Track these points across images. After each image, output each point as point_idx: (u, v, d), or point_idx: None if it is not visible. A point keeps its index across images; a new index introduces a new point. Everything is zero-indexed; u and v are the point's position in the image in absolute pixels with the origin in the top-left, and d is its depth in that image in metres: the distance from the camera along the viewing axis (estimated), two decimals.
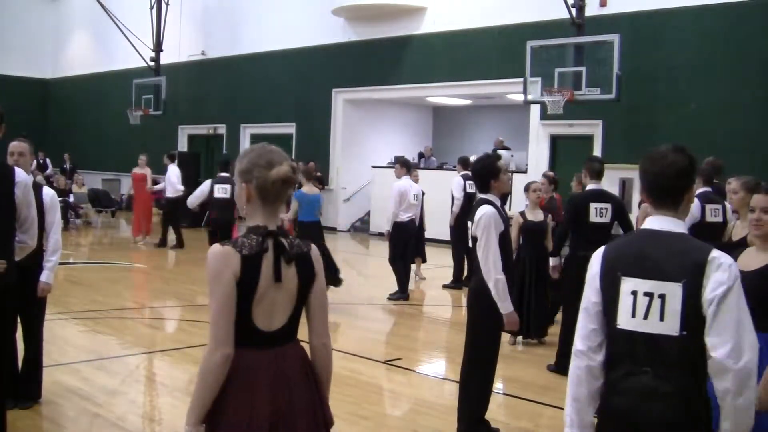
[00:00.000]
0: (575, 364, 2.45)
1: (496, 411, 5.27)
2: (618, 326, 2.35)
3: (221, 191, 9.84)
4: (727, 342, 2.19)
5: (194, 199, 10.12)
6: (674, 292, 2.26)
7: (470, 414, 4.77)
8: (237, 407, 2.39)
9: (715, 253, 2.27)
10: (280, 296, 2.44)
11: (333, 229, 18.56)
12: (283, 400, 2.43)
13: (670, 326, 2.27)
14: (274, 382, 2.42)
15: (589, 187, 6.52)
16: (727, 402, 2.20)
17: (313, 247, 2.58)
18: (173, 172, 14.66)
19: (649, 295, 2.30)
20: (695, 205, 6.73)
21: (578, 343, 2.45)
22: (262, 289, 2.39)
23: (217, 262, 2.37)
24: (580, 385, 2.43)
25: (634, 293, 2.32)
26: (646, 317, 2.30)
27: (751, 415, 2.22)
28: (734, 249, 4.14)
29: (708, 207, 6.74)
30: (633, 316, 2.32)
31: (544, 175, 9.19)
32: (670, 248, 2.32)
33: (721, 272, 2.23)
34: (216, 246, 2.41)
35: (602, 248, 2.48)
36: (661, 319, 2.28)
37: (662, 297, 2.28)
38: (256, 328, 2.42)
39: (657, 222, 2.40)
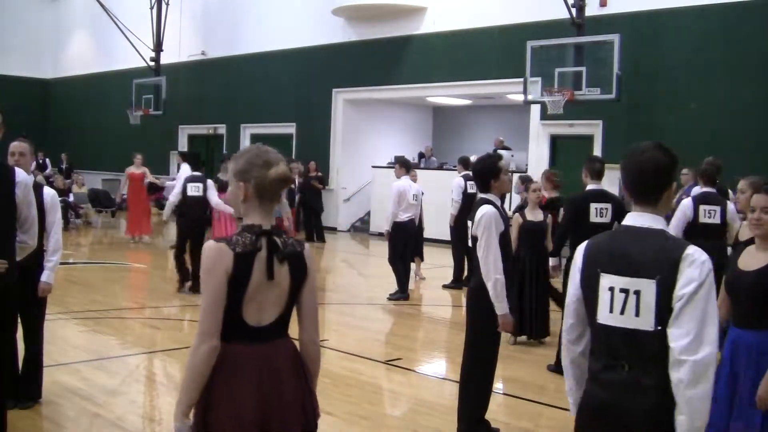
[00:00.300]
0: (562, 355, 2.63)
1: (496, 411, 5.27)
2: (598, 321, 2.41)
3: (194, 189, 10.13)
4: (687, 334, 2.23)
5: (171, 206, 10.42)
6: (649, 288, 2.30)
7: (470, 414, 4.77)
8: (227, 400, 2.46)
9: (690, 250, 2.30)
10: (272, 293, 2.50)
11: (333, 229, 18.56)
12: (274, 393, 2.49)
13: (646, 321, 2.31)
14: (264, 375, 2.49)
15: (590, 187, 6.51)
16: (681, 392, 2.22)
17: (307, 246, 2.64)
18: (186, 171, 14.52)
19: (625, 291, 2.34)
20: (688, 205, 6.77)
21: (562, 336, 2.61)
22: (253, 286, 2.45)
23: (210, 259, 2.44)
24: (567, 373, 2.61)
25: (612, 289, 2.37)
26: (622, 312, 2.35)
27: (706, 408, 2.24)
28: (739, 248, 4.22)
29: (702, 207, 6.77)
30: (611, 311, 2.37)
31: (519, 177, 9.26)
32: (647, 245, 2.36)
33: (693, 269, 2.26)
34: (211, 242, 2.49)
35: (584, 244, 2.53)
36: (637, 314, 2.32)
37: (637, 293, 2.32)
38: (246, 324, 2.48)
39: (636, 218, 2.44)
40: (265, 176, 2.49)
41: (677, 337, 2.24)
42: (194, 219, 10.08)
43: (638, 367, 2.31)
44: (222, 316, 2.43)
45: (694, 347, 2.21)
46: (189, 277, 9.96)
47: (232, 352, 2.46)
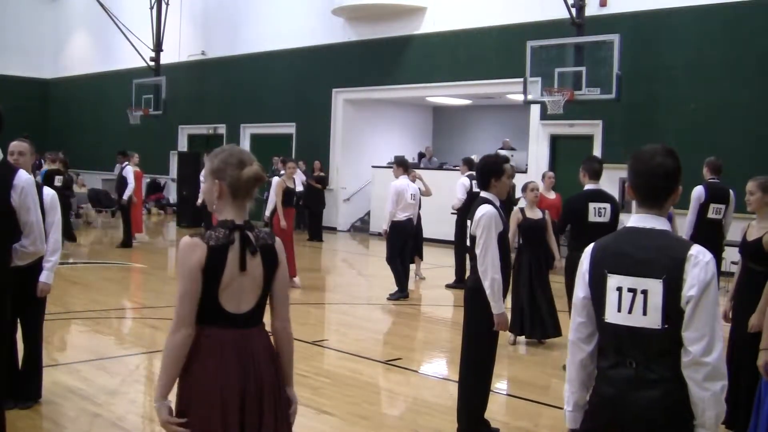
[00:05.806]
0: (569, 353, 2.62)
1: (496, 411, 5.28)
2: (606, 320, 2.47)
3: None
4: (702, 337, 2.30)
5: None
6: (655, 288, 2.36)
7: (470, 414, 4.77)
8: (211, 377, 2.62)
9: (694, 250, 2.35)
10: (246, 283, 2.67)
11: (333, 229, 18.57)
12: (252, 376, 2.65)
13: (653, 320, 2.37)
14: (243, 358, 2.65)
15: (587, 187, 6.50)
16: (702, 390, 2.31)
17: (277, 239, 2.81)
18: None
19: (633, 291, 2.40)
20: (701, 192, 7.44)
21: (570, 335, 2.61)
22: (227, 277, 2.62)
23: (184, 251, 2.62)
24: (572, 371, 2.60)
25: (619, 289, 2.43)
26: (630, 312, 2.40)
27: (724, 396, 2.35)
28: (752, 249, 4.34)
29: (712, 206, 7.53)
30: (618, 310, 2.43)
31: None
32: (652, 245, 2.41)
33: (699, 269, 2.32)
34: (187, 237, 2.66)
35: (591, 246, 2.58)
36: (644, 313, 2.38)
37: (644, 293, 2.38)
38: (225, 311, 2.65)
39: (640, 220, 2.49)
40: (239, 175, 2.65)
41: (693, 341, 2.30)
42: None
43: (645, 363, 2.38)
44: (196, 305, 2.61)
45: (709, 349, 2.30)
46: None
47: (214, 334, 2.64)
